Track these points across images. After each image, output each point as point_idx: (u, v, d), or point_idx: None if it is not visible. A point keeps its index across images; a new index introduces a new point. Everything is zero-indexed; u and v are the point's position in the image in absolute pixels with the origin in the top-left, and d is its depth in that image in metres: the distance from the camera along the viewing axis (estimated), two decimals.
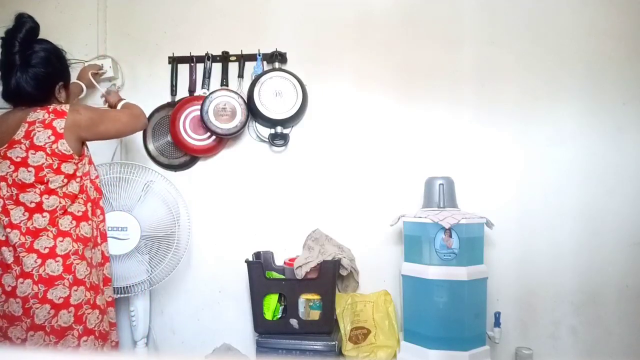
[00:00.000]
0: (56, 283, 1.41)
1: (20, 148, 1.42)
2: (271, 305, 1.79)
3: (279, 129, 1.99)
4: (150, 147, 2.09)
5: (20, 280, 1.39)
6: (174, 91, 2.09)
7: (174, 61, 2.09)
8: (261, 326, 1.80)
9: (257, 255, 1.92)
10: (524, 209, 1.92)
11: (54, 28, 2.16)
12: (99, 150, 2.07)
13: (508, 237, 1.91)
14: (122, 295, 1.76)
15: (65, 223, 1.47)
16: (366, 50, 2.02)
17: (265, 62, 2.04)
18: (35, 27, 1.51)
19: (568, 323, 1.90)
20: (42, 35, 2.12)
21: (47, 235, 1.44)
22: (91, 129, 1.52)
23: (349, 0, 2.04)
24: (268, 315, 1.79)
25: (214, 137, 2.02)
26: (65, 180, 1.46)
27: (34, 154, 1.42)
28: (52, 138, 1.42)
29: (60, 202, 1.46)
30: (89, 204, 1.54)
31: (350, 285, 1.93)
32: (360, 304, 1.88)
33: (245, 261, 1.82)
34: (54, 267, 1.42)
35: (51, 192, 1.44)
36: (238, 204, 2.06)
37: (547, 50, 1.94)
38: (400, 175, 1.98)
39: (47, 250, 1.42)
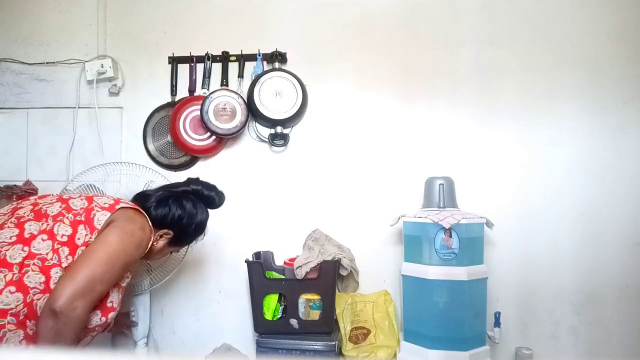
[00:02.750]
0: None
1: (83, 197, 1.32)
2: (271, 305, 1.79)
3: (279, 129, 1.99)
4: (150, 147, 2.10)
5: None
6: (174, 91, 2.09)
7: (174, 61, 2.09)
8: (261, 326, 1.80)
9: (257, 255, 1.92)
10: (523, 208, 1.92)
11: (54, 28, 2.18)
12: (100, 150, 2.09)
13: (508, 237, 1.91)
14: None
15: (34, 279, 1.17)
16: (366, 50, 2.03)
17: (265, 62, 2.04)
18: (215, 201, 1.52)
19: (568, 323, 1.90)
20: (42, 34, 2.17)
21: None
22: (110, 227, 1.26)
23: (349, 0, 2.04)
24: (268, 315, 1.79)
25: (214, 137, 2.02)
26: (66, 239, 1.22)
27: (80, 200, 1.31)
28: (106, 205, 1.30)
29: (48, 254, 1.19)
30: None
31: (350, 285, 1.93)
32: (360, 304, 1.88)
33: (245, 261, 1.82)
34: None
35: (52, 237, 1.22)
36: (238, 204, 2.05)
37: (547, 50, 1.94)
38: (400, 175, 1.98)
39: None
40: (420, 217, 1.69)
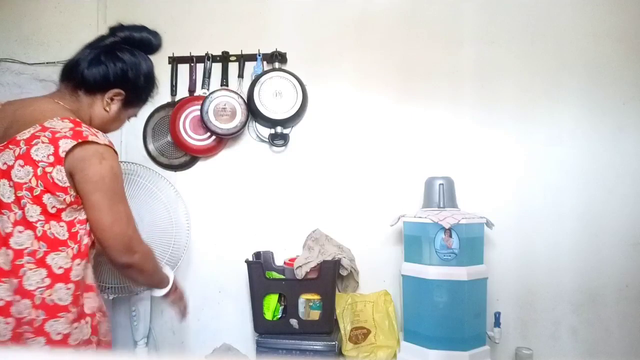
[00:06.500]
0: None
1: (13, 152, 1.10)
2: (271, 305, 1.79)
3: (279, 129, 1.99)
4: (150, 147, 2.09)
5: None
6: (174, 91, 2.09)
7: (174, 61, 2.09)
8: (261, 326, 1.80)
9: (257, 255, 1.92)
10: (524, 209, 1.92)
11: (54, 28, 2.18)
12: None
13: (508, 237, 1.91)
14: (122, 295, 1.76)
15: (34, 278, 1.10)
16: (366, 50, 2.03)
17: (265, 62, 2.04)
18: (151, 43, 1.31)
19: (568, 323, 1.90)
20: (42, 34, 2.17)
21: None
22: (87, 185, 1.12)
23: (349, 0, 2.04)
24: (268, 315, 1.79)
25: (214, 137, 2.02)
26: (43, 217, 1.11)
27: (21, 166, 1.09)
28: (51, 159, 1.09)
29: (33, 245, 1.10)
30: (80, 262, 1.16)
31: (350, 285, 1.93)
32: (360, 304, 1.88)
33: (245, 261, 1.82)
34: None
35: (28, 225, 1.10)
36: (238, 204, 2.06)
37: (547, 50, 1.94)
38: (400, 175, 1.98)
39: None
40: (420, 217, 1.69)
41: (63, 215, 1.13)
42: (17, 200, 1.09)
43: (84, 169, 1.11)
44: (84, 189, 1.12)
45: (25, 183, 1.09)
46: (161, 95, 2.10)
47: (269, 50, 2.02)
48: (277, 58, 2.00)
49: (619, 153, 1.89)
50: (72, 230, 1.14)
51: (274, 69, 2.00)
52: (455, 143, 1.97)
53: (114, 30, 1.28)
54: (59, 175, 1.09)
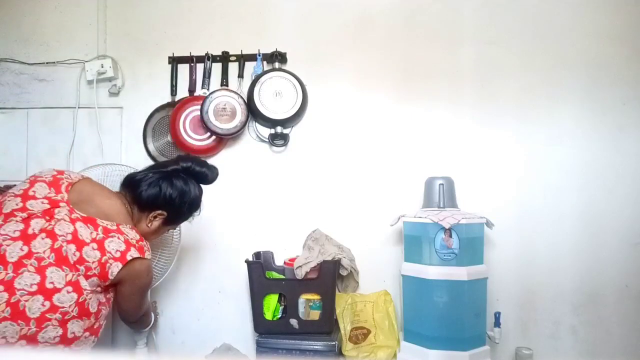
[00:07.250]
0: None
1: (90, 233, 1.24)
2: (271, 305, 1.79)
3: (279, 129, 1.99)
4: (150, 147, 2.10)
5: None
6: (174, 91, 2.09)
7: (174, 61, 2.09)
8: (261, 326, 1.80)
9: (257, 255, 1.92)
10: (524, 209, 1.92)
11: (54, 28, 2.18)
12: (100, 150, 2.09)
13: (508, 237, 1.91)
14: None
15: (50, 334, 1.18)
16: (366, 50, 2.03)
17: (265, 62, 2.04)
18: (207, 177, 1.50)
19: (568, 323, 1.90)
20: (42, 34, 2.17)
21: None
22: (132, 289, 1.35)
23: (349, 0, 2.04)
24: (268, 315, 1.79)
25: (214, 137, 2.02)
26: (91, 289, 1.24)
27: (94, 249, 1.23)
28: (118, 255, 1.26)
29: (70, 307, 1.20)
30: (88, 336, 1.28)
31: (350, 285, 1.93)
32: (360, 304, 1.88)
33: (245, 261, 1.82)
34: None
35: (77, 289, 1.21)
36: (238, 204, 2.06)
37: (547, 50, 1.94)
38: (400, 175, 1.98)
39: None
40: (420, 217, 1.69)
41: (92, 301, 1.26)
42: (76, 268, 1.22)
43: (135, 279, 1.33)
44: (128, 290, 1.34)
45: (87, 263, 1.22)
46: (161, 95, 2.11)
47: (269, 50, 2.02)
48: (277, 58, 2.00)
49: (619, 153, 1.89)
50: (100, 307, 1.29)
51: (274, 69, 2.00)
52: (455, 143, 1.97)
53: (179, 159, 1.49)
54: (114, 269, 1.25)
